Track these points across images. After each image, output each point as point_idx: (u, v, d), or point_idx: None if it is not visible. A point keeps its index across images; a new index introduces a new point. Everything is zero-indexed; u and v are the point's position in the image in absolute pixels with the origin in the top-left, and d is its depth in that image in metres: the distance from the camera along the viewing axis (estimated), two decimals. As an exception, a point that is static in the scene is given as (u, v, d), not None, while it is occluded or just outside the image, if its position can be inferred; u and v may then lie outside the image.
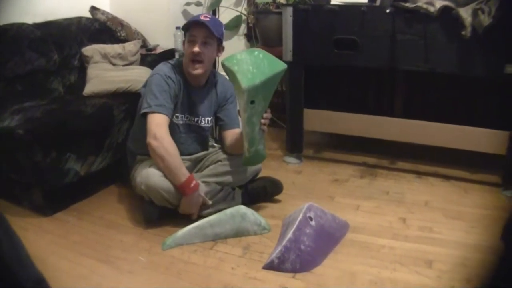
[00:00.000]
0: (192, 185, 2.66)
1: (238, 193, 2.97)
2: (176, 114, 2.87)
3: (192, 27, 2.76)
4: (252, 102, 2.52)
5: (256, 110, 2.56)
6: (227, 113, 3.03)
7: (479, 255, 2.46)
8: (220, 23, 2.90)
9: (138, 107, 2.90)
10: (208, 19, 2.76)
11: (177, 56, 4.10)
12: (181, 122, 2.91)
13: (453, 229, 2.77)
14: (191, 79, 2.90)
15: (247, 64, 2.54)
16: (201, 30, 2.75)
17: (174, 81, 2.81)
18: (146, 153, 2.81)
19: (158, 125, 2.66)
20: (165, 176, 2.68)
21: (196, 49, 2.75)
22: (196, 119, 2.95)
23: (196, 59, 2.78)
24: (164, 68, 2.85)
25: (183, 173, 2.66)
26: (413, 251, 2.53)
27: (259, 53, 2.60)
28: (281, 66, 2.58)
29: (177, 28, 4.16)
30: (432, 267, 2.38)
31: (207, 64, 2.85)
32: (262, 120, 2.63)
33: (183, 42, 2.91)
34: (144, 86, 2.87)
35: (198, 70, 2.82)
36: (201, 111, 2.97)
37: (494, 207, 3.05)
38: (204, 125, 3.00)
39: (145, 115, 2.70)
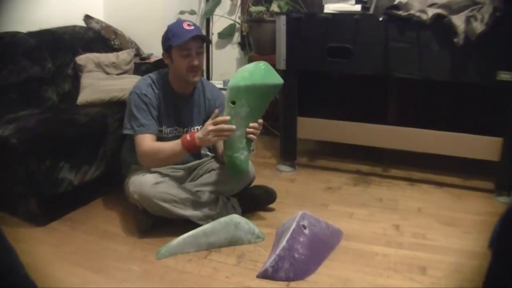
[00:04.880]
0: (189, 138, 2.62)
1: (235, 202, 2.96)
2: (161, 128, 2.87)
3: (185, 42, 2.71)
4: (233, 102, 2.55)
5: (236, 112, 2.57)
6: None
7: (473, 261, 2.47)
8: (199, 26, 2.89)
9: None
10: (193, 27, 2.75)
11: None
12: (170, 135, 2.90)
13: (447, 235, 2.78)
14: (181, 88, 2.90)
15: (246, 71, 2.59)
16: (195, 43, 2.74)
17: (151, 97, 2.80)
18: (140, 163, 2.82)
19: (140, 145, 2.73)
20: (159, 183, 2.69)
21: (196, 62, 2.75)
22: (185, 129, 2.94)
23: (196, 70, 2.78)
24: (141, 84, 2.85)
25: (178, 148, 2.65)
26: (407, 258, 2.53)
27: (263, 65, 2.63)
28: (275, 80, 2.61)
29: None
30: (426, 274, 2.38)
31: (202, 70, 2.85)
32: (248, 129, 2.63)
33: (167, 55, 2.84)
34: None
35: (197, 78, 2.84)
36: (190, 121, 2.97)
37: (488, 213, 3.06)
38: None
39: (128, 134, 2.81)
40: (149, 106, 2.78)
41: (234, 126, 2.57)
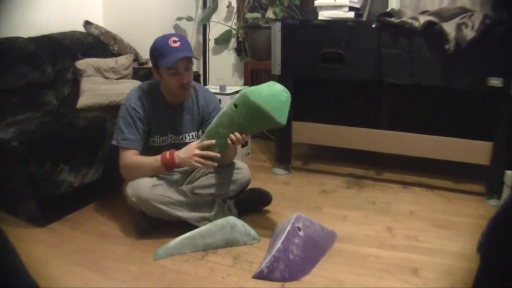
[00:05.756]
0: (168, 157, 2.66)
1: (232, 204, 2.97)
2: (153, 139, 2.87)
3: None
4: (236, 106, 2.52)
5: (232, 114, 2.55)
6: None
7: (464, 263, 2.47)
8: (187, 40, 2.84)
9: None
10: (179, 44, 2.68)
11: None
12: (165, 143, 2.90)
13: (438, 238, 2.79)
14: (172, 99, 2.88)
15: (269, 90, 2.51)
16: (183, 61, 2.69)
17: (139, 111, 2.78)
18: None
19: (121, 158, 2.77)
20: (156, 186, 2.70)
21: (186, 80, 2.72)
22: (180, 137, 2.94)
23: (185, 87, 2.77)
24: (131, 97, 2.83)
25: (157, 165, 2.69)
26: (399, 260, 2.54)
27: (285, 97, 2.54)
28: (280, 118, 2.50)
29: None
30: (418, 275, 2.39)
31: (192, 83, 2.85)
32: (231, 136, 2.59)
33: (156, 70, 2.78)
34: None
35: (187, 94, 2.85)
36: (184, 128, 2.96)
37: (479, 215, 3.07)
38: (189, 141, 2.97)
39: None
40: (135, 120, 2.77)
41: (217, 160, 2.64)
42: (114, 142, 2.79)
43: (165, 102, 2.87)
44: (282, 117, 2.50)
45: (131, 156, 2.74)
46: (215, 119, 2.64)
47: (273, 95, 2.49)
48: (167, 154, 2.66)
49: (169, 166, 2.66)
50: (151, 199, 2.65)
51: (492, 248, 1.64)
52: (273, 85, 2.55)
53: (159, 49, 2.70)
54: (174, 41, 2.67)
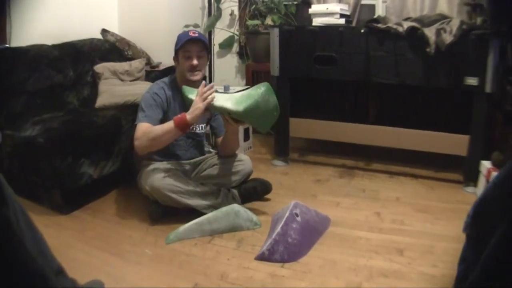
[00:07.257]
0: (180, 118, 2.60)
1: (235, 193, 2.98)
2: None
3: (186, 44, 2.77)
4: (234, 117, 2.60)
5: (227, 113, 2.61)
6: (219, 122, 3.05)
7: (444, 243, 2.49)
8: (204, 35, 2.94)
9: None
10: (197, 34, 2.81)
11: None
12: None
13: (421, 221, 2.79)
14: None
15: (264, 109, 2.59)
16: (195, 45, 2.79)
17: (161, 97, 2.83)
18: (151, 158, 2.84)
19: (136, 131, 2.68)
20: (167, 176, 2.72)
21: (195, 62, 2.79)
22: (192, 127, 2.93)
23: (195, 69, 2.81)
24: (154, 86, 2.91)
25: (170, 127, 2.61)
26: (386, 241, 2.55)
27: (275, 115, 2.68)
28: (265, 128, 2.74)
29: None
30: (403, 255, 2.40)
31: (203, 71, 2.89)
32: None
33: (176, 58, 2.89)
34: None
35: (197, 77, 2.84)
36: None
37: (457, 201, 3.08)
38: (199, 132, 3.02)
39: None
40: (157, 104, 2.80)
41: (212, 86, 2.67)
42: (136, 122, 2.75)
43: (181, 92, 2.88)
44: (267, 128, 2.73)
45: (145, 125, 2.68)
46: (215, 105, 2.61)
47: (267, 113, 2.63)
48: (179, 116, 2.61)
49: (180, 124, 2.59)
50: (162, 188, 2.66)
51: (476, 227, 1.67)
52: (269, 101, 2.63)
53: (179, 37, 2.85)
54: (194, 33, 2.81)
